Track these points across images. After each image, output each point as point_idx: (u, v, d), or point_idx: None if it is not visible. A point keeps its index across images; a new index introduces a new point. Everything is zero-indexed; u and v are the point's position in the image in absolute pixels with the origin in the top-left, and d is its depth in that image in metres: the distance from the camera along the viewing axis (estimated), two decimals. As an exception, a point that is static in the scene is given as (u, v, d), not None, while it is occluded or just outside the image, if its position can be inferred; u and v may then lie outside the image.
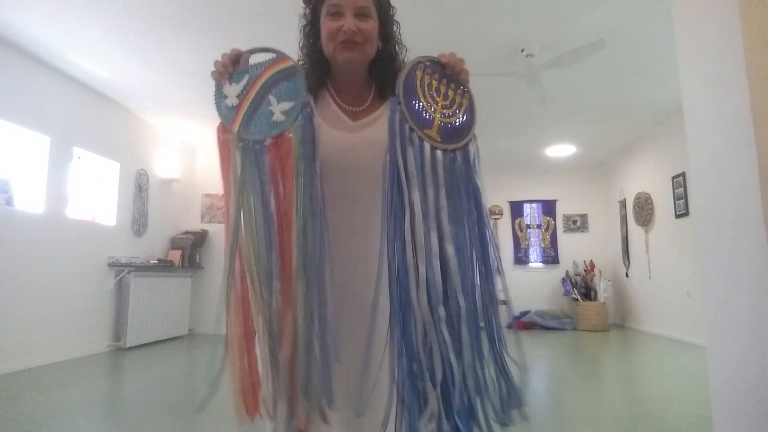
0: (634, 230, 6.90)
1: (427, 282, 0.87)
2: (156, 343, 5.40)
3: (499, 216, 8.31)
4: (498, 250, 0.98)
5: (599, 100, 5.23)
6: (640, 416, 2.73)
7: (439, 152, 0.94)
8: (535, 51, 3.95)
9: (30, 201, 4.15)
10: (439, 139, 0.95)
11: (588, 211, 8.13)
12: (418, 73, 0.96)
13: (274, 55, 0.97)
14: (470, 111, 0.99)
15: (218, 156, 0.95)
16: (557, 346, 5.62)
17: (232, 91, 0.95)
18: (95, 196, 5.03)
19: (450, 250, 0.90)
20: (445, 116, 0.96)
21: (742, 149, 1.72)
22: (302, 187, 0.90)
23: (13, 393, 3.17)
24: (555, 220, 8.19)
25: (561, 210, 8.21)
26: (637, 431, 2.50)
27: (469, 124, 0.98)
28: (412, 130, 0.93)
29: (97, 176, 5.06)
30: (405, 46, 1.09)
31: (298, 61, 1.05)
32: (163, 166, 6.11)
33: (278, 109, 0.94)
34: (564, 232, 8.16)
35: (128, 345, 4.96)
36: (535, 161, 7.81)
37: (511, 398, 0.89)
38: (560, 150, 7.17)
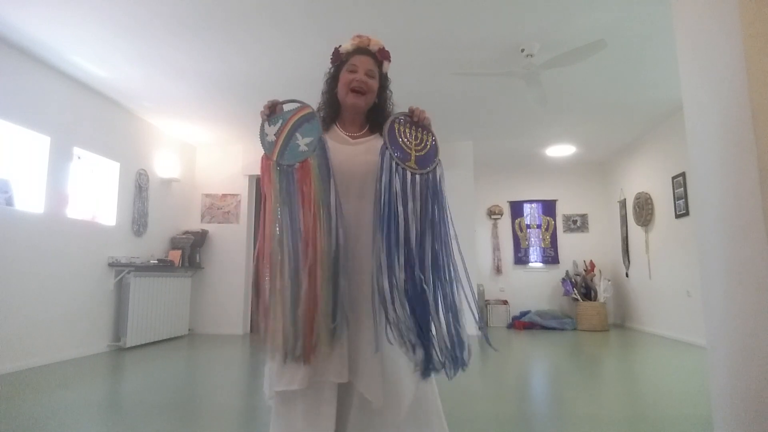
0: (634, 230, 6.90)
1: (406, 263, 1.26)
2: (156, 343, 5.40)
3: (499, 216, 8.32)
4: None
5: (599, 100, 5.24)
6: (640, 416, 2.73)
7: (417, 176, 1.33)
8: (535, 51, 3.95)
9: (30, 201, 4.14)
10: (416, 167, 1.34)
11: (588, 211, 8.13)
12: (396, 126, 1.37)
13: (299, 104, 1.37)
14: (434, 145, 1.39)
15: (261, 175, 1.36)
16: (557, 346, 5.62)
17: (271, 131, 1.36)
18: (95, 196, 5.03)
19: (427, 244, 1.30)
20: (418, 151, 1.37)
21: (742, 149, 1.72)
22: (321, 195, 1.28)
23: (13, 393, 3.17)
24: (555, 220, 8.19)
25: (561, 210, 8.21)
26: (637, 431, 2.50)
27: (434, 154, 1.38)
28: (397, 164, 1.32)
29: (97, 176, 5.06)
30: (394, 104, 1.53)
31: (318, 105, 1.50)
32: (163, 166, 6.11)
33: (303, 142, 1.33)
34: (564, 232, 8.16)
35: (128, 345, 4.96)
36: (535, 161, 7.81)
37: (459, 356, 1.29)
38: (560, 150, 7.18)
